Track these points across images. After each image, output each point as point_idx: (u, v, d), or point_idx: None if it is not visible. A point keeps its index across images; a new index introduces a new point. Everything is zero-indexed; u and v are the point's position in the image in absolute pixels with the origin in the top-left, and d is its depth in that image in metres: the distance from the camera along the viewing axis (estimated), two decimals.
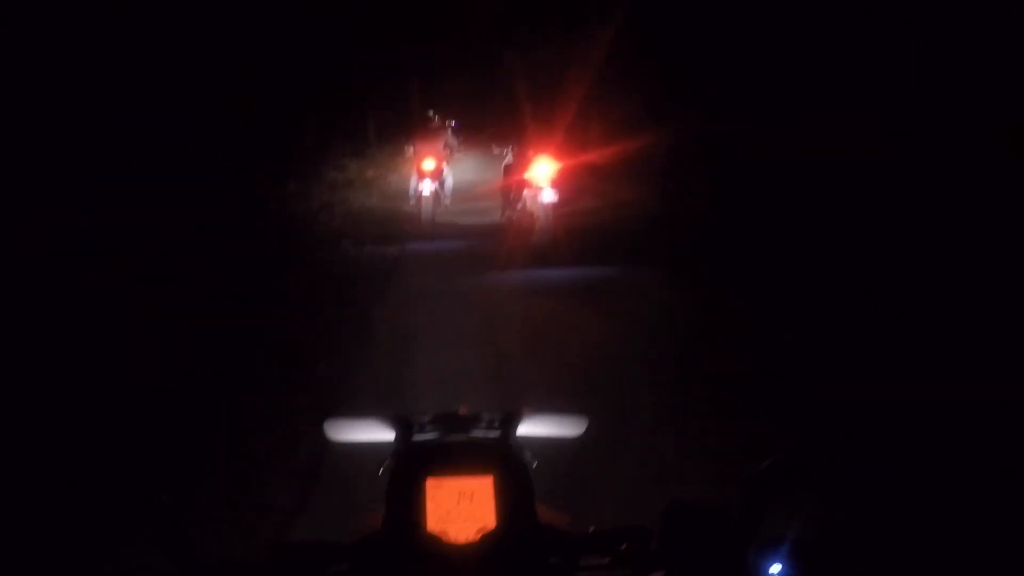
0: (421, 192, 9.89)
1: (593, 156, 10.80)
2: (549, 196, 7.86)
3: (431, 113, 11.40)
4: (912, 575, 2.11)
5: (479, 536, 0.98)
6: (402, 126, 11.43)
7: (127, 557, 0.94)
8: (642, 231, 8.16)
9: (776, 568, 0.93)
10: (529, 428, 1.23)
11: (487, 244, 8.63)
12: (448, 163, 10.59)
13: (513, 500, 1.00)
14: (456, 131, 11.27)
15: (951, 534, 2.57)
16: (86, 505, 0.98)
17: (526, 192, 8.21)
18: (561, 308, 6.18)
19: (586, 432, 1.33)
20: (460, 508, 1.00)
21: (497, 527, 0.99)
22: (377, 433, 1.25)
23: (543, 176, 7.94)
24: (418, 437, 1.18)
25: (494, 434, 1.18)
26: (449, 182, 10.66)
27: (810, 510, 0.99)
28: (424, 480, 1.00)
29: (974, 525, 2.62)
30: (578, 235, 7.97)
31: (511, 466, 1.03)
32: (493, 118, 11.81)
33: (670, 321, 5.64)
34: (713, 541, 0.96)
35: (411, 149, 10.51)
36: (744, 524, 0.95)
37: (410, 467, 1.03)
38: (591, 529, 1.04)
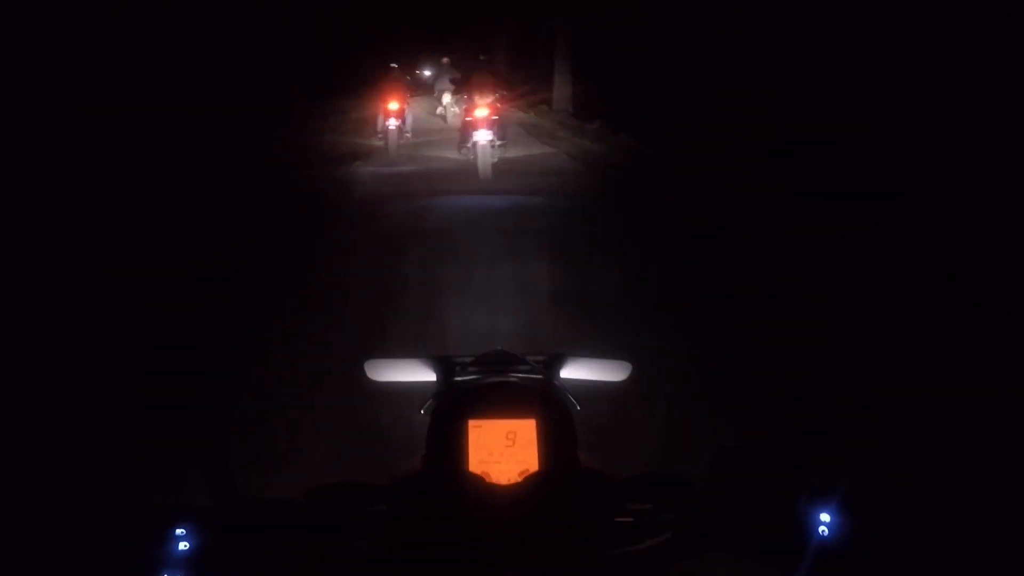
0: (388, 127, 12.31)
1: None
2: (486, 136, 9.93)
3: (393, 64, 13.78)
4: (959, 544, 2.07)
5: (521, 478, 0.97)
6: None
7: (170, 490, 0.94)
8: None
9: (826, 517, 0.90)
10: (572, 372, 1.21)
11: (435, 167, 11.26)
12: (407, 104, 13.07)
13: (555, 443, 0.98)
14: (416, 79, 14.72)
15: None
16: (132, 437, 0.99)
17: (472, 132, 10.14)
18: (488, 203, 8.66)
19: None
20: (502, 450, 0.98)
21: (539, 469, 0.97)
22: (419, 374, 1.24)
23: (483, 118, 10.00)
24: (460, 378, 1.16)
25: (537, 376, 1.16)
26: (409, 120, 13.13)
27: (860, 461, 0.96)
28: (466, 421, 0.99)
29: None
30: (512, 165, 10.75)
31: (553, 409, 1.01)
32: (457, 73, 14.36)
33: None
34: (763, 488, 0.94)
35: (378, 94, 12.83)
36: (796, 476, 0.92)
37: (452, 408, 1.02)
38: (631, 475, 1.02)
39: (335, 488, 0.99)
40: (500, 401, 1.02)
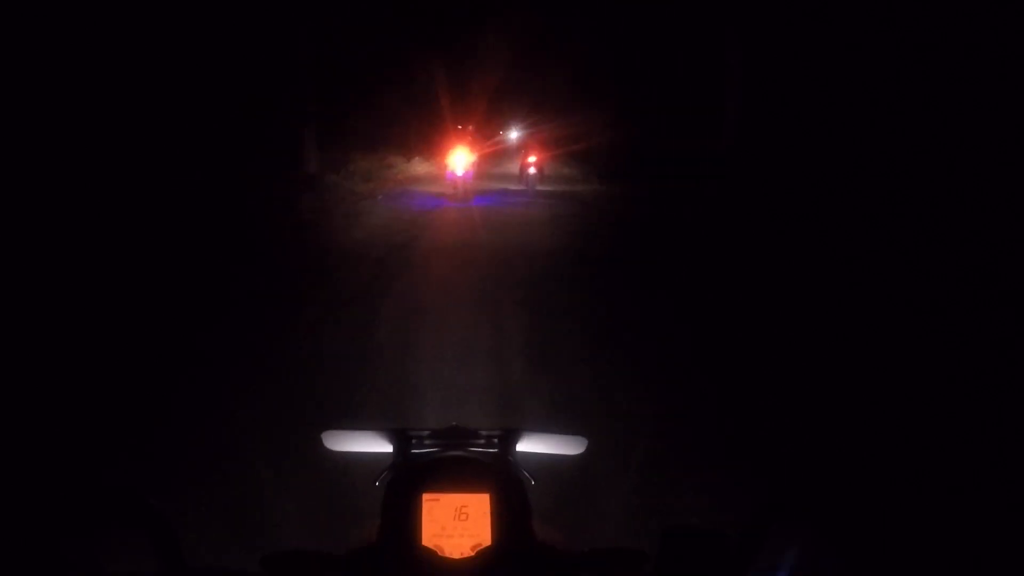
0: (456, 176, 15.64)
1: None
2: (534, 171, 16.88)
3: (460, 126, 18.69)
4: None
5: (474, 552, 0.98)
6: None
7: (117, 558, 0.93)
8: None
9: None
10: (528, 446, 1.22)
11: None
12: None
13: (509, 517, 0.99)
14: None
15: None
16: (77, 504, 0.97)
17: (527, 170, 16.91)
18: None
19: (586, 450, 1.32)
20: (456, 524, 0.99)
21: (492, 544, 0.98)
22: (375, 445, 1.24)
23: (532, 163, 16.82)
24: (416, 451, 1.17)
25: (492, 450, 1.17)
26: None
27: (807, 543, 0.98)
28: (420, 494, 1.00)
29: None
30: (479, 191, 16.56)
31: (508, 483, 1.02)
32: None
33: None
34: (711, 566, 0.96)
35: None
36: (743, 551, 0.94)
37: (407, 481, 1.03)
38: (587, 549, 1.03)
39: (290, 556, 0.99)
40: (454, 475, 1.03)
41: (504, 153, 24.97)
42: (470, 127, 21.10)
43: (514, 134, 26.77)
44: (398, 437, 1.19)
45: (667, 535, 0.99)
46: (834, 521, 1.04)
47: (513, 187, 17.61)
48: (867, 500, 1.11)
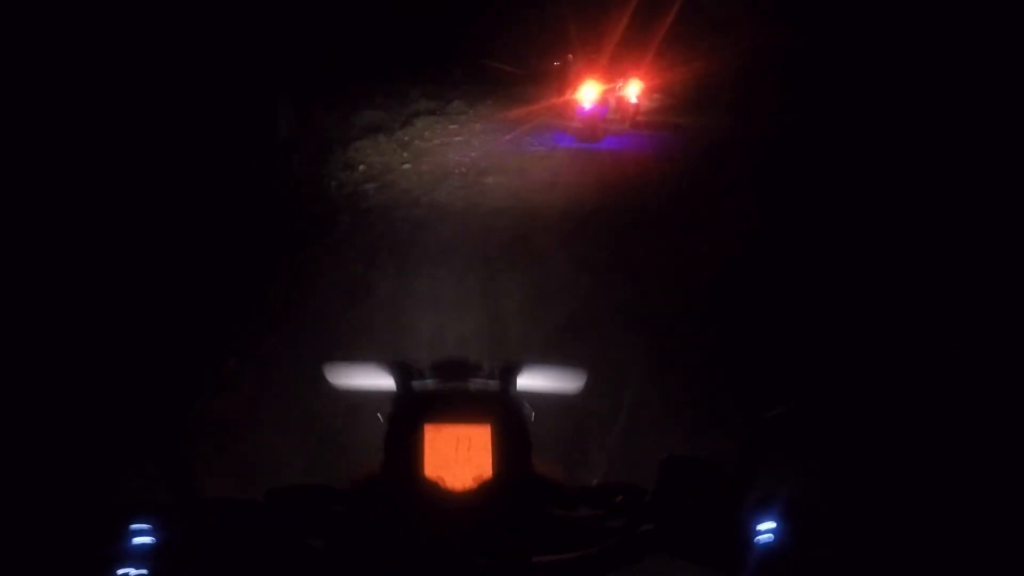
0: None
1: None
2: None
3: None
4: (902, 537, 2.14)
5: (476, 484, 0.99)
6: None
7: (127, 488, 0.95)
8: None
9: (768, 525, 0.94)
10: (528, 380, 1.23)
11: None
12: None
13: (510, 450, 1.01)
14: None
15: (942, 495, 2.60)
16: (89, 435, 0.99)
17: None
18: None
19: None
20: (457, 455, 1.00)
21: (493, 475, 0.99)
22: (376, 379, 1.25)
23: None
24: (417, 384, 1.18)
25: (493, 384, 1.18)
26: None
27: (805, 470, 0.99)
28: (422, 426, 1.01)
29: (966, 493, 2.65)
30: None
31: (508, 416, 1.03)
32: None
33: None
34: (707, 496, 0.97)
35: None
36: (739, 480, 0.96)
37: (408, 413, 1.04)
38: (585, 484, 1.05)
39: (295, 489, 1.01)
40: (456, 406, 1.04)
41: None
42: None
43: None
44: (400, 370, 1.20)
45: (664, 466, 1.00)
46: (836, 444, 1.05)
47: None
48: (863, 416, 1.12)
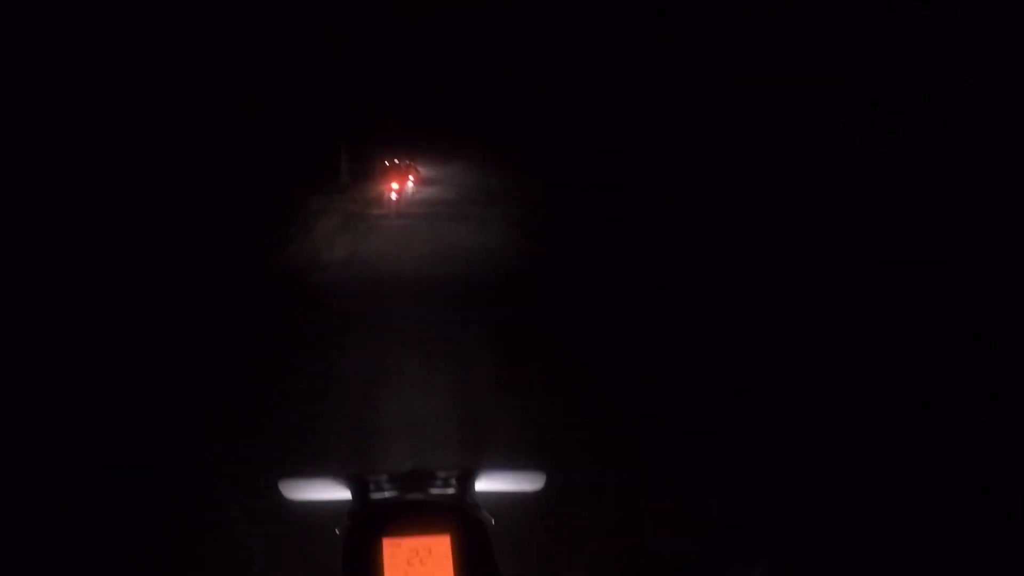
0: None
1: None
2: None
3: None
4: None
5: None
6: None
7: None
8: None
9: None
10: (486, 484, 1.22)
11: None
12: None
13: (470, 558, 0.99)
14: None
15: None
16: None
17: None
18: None
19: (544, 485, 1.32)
20: (417, 568, 0.98)
21: None
22: (333, 492, 1.23)
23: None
24: (374, 495, 1.16)
25: (451, 491, 1.17)
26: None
27: (766, 564, 0.99)
28: (380, 540, 0.99)
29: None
30: None
31: (468, 524, 1.02)
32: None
33: None
34: None
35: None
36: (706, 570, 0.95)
37: (366, 527, 1.02)
38: None
39: None
40: (414, 518, 1.03)
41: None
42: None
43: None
44: (356, 483, 1.18)
45: (628, 563, 0.99)
46: (797, 540, 1.05)
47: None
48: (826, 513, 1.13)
